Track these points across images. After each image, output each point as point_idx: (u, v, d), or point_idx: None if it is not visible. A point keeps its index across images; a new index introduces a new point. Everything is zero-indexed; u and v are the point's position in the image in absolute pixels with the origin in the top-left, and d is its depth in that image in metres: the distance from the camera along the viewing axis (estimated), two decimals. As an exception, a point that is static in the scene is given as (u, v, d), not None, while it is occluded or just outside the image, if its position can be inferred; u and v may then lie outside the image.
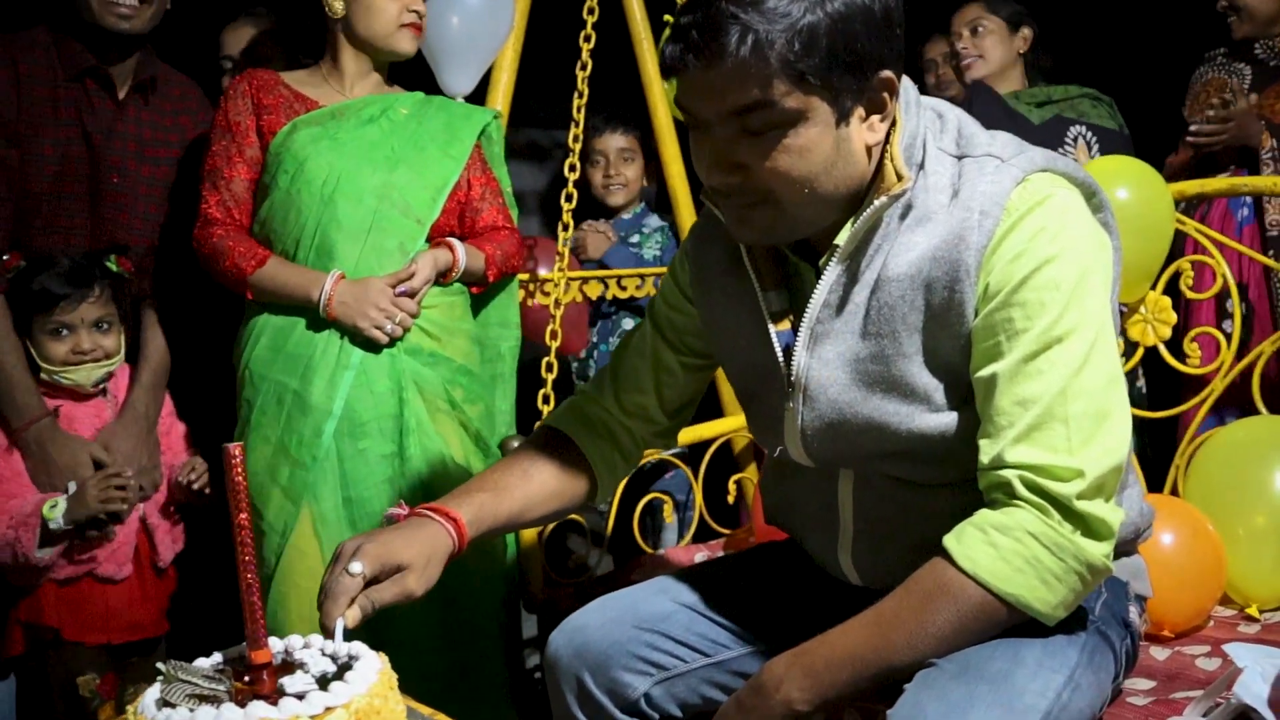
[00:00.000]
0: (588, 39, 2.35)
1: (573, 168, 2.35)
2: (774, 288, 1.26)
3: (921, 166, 1.17)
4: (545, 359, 2.31)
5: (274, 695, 0.90)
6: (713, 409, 2.66)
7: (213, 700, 0.90)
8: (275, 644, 1.01)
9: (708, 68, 1.07)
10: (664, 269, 2.66)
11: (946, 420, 1.18)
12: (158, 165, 2.12)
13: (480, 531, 1.32)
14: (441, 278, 1.97)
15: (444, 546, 1.26)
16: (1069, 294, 1.10)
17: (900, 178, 1.15)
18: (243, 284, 1.90)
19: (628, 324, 2.92)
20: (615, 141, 2.98)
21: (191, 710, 0.88)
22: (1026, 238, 1.11)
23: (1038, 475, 1.08)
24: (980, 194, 1.12)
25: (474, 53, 2.25)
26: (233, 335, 2.00)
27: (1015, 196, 1.12)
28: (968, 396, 1.17)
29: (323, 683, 0.92)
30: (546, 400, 2.31)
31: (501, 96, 2.33)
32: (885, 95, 1.13)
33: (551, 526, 2.30)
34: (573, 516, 2.31)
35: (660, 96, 2.59)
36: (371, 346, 1.90)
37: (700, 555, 2.32)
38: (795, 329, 1.24)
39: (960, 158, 1.17)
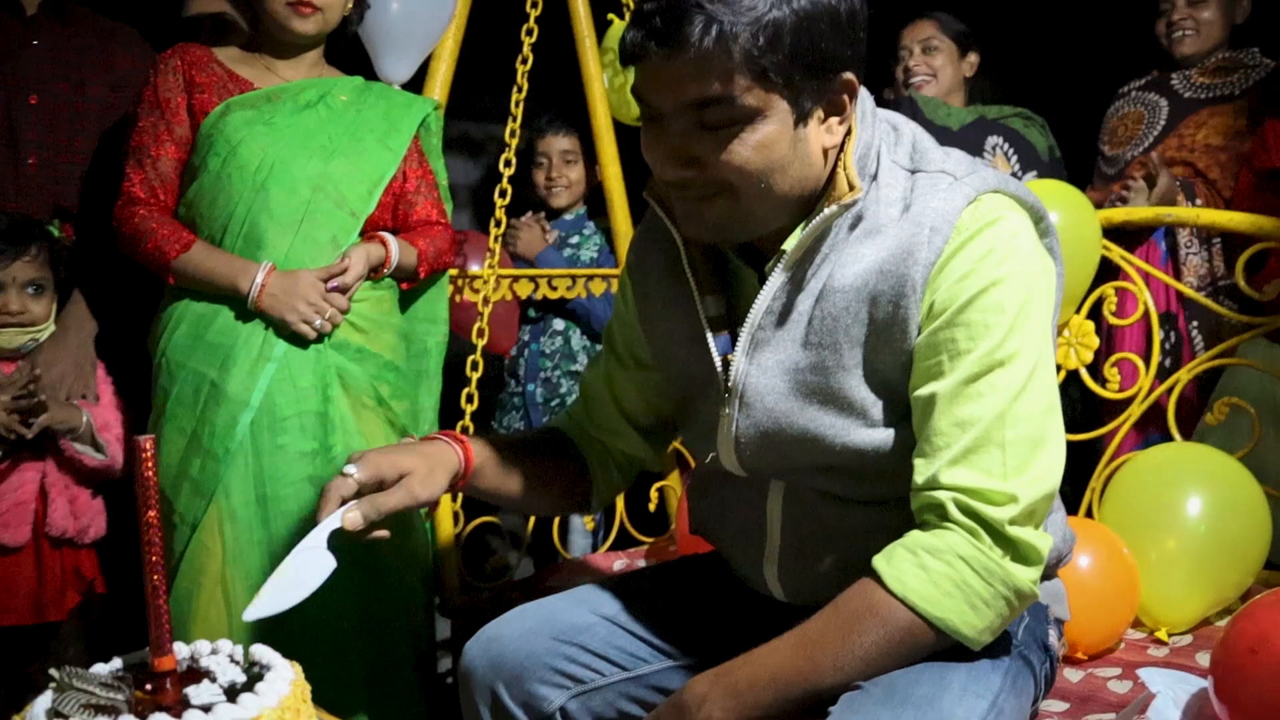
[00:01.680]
0: (530, 32, 2.31)
1: (508, 163, 2.31)
2: (712, 293, 1.24)
3: (874, 178, 1.16)
4: (471, 357, 2.27)
5: (177, 706, 0.85)
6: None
7: (110, 711, 0.85)
8: (180, 650, 0.95)
9: (669, 57, 1.05)
10: (599, 270, 2.63)
11: (882, 436, 1.17)
12: (82, 85, 2.06)
13: (481, 474, 1.32)
14: (373, 273, 1.92)
15: (450, 461, 1.27)
16: (1014, 318, 1.10)
17: (852, 187, 1.13)
18: (165, 269, 1.82)
19: (558, 325, 2.88)
20: (559, 144, 2.93)
21: (86, 722, 0.83)
22: (975, 258, 1.10)
23: (971, 499, 1.08)
24: (932, 210, 1.12)
25: (413, 40, 2.20)
26: (149, 318, 1.92)
27: (966, 215, 1.12)
28: (905, 414, 1.16)
29: (231, 694, 0.87)
30: (470, 399, 2.26)
31: (439, 87, 2.27)
32: (845, 98, 1.12)
33: (469, 529, 2.26)
34: (490, 519, 2.29)
35: (600, 96, 2.55)
36: (297, 340, 1.84)
37: (619, 563, 2.30)
38: (732, 335, 1.22)
39: (914, 172, 1.16)
